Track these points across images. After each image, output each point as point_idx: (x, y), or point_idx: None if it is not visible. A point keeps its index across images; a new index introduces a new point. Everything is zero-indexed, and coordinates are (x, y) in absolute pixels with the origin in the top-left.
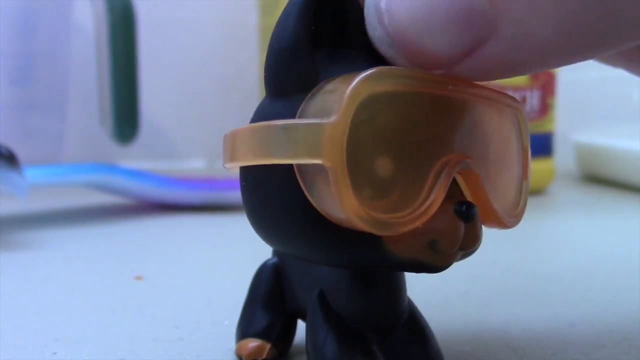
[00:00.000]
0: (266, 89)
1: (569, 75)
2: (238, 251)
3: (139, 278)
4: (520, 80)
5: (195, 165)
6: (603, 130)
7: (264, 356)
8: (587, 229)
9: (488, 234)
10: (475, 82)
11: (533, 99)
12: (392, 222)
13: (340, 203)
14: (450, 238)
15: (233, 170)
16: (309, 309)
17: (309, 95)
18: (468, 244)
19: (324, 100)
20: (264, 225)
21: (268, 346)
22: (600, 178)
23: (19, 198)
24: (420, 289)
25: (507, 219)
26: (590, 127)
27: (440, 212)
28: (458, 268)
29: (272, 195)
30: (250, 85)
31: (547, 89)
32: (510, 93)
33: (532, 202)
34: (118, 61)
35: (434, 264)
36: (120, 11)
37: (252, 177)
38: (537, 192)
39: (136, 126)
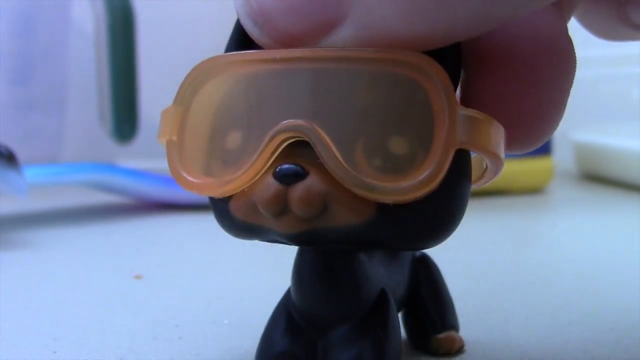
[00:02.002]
0: None
1: None
2: (238, 250)
3: (138, 277)
4: None
5: None
6: (602, 129)
7: None
8: (586, 228)
9: (487, 233)
10: (352, 53)
11: None
12: (220, 182)
13: (171, 171)
14: (263, 199)
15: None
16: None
17: None
18: (294, 206)
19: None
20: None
21: None
22: (599, 177)
23: (18, 197)
24: None
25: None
26: (589, 125)
27: (264, 176)
28: (456, 267)
29: None
30: None
31: None
32: None
33: (530, 201)
34: (117, 60)
35: (276, 230)
36: (120, 10)
37: None
38: (536, 191)
39: (135, 125)
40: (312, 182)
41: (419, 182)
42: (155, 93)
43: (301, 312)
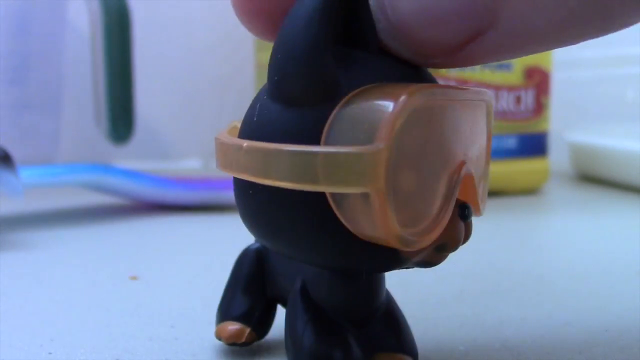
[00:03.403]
0: (274, 95)
1: (563, 74)
2: (233, 251)
3: (134, 278)
4: (514, 79)
5: (190, 165)
6: (597, 130)
7: (243, 340)
8: (581, 229)
9: (483, 233)
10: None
11: (527, 99)
12: (414, 237)
13: (382, 227)
14: (456, 241)
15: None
16: (289, 298)
17: (337, 108)
18: (464, 242)
19: (359, 116)
20: (273, 231)
21: (247, 330)
22: (594, 177)
23: (14, 198)
24: (415, 288)
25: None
26: (585, 126)
27: (452, 218)
28: (453, 267)
29: (288, 205)
30: (245, 85)
31: (542, 89)
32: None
33: (526, 202)
34: (113, 61)
35: (434, 262)
36: (115, 11)
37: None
38: (532, 191)
39: (131, 126)
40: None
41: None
42: (152, 94)
43: (336, 310)
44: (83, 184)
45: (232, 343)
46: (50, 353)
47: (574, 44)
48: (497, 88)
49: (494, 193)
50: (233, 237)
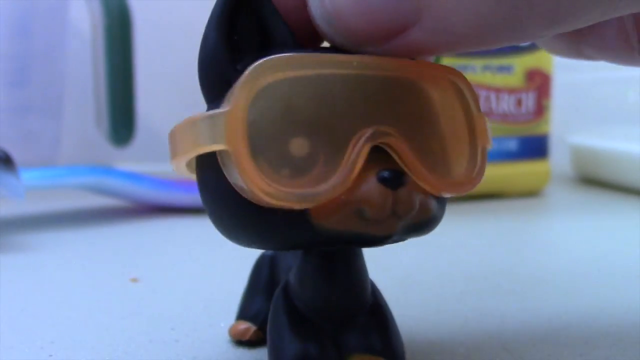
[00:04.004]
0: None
1: (564, 77)
2: (234, 253)
3: (134, 280)
4: (515, 82)
5: None
6: (599, 132)
7: (247, 338)
8: (582, 231)
9: (484, 236)
10: (409, 60)
11: (528, 101)
12: (311, 193)
13: (245, 182)
14: (375, 204)
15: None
16: (272, 300)
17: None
18: (401, 210)
19: (229, 94)
20: (214, 219)
21: (253, 329)
22: (595, 180)
23: (15, 200)
24: (416, 289)
25: (448, 185)
26: (586, 129)
27: (364, 181)
28: (454, 269)
29: (210, 188)
30: None
31: (543, 91)
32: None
33: (527, 204)
34: (114, 63)
35: (371, 233)
36: (117, 13)
37: (198, 177)
38: (532, 194)
39: (132, 128)
40: (412, 186)
41: (472, 178)
42: (153, 96)
43: (316, 309)
44: (84, 186)
45: (239, 340)
46: (50, 355)
47: (493, 47)
48: (498, 90)
49: (494, 195)
50: None
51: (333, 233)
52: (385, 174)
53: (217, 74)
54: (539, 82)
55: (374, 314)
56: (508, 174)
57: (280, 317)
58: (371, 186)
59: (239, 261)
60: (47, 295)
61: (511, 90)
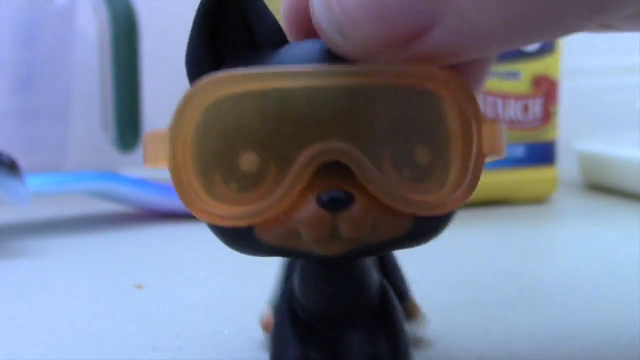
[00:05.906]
0: None
1: (571, 83)
2: (239, 260)
3: (139, 287)
4: (522, 88)
5: None
6: (606, 139)
7: (268, 330)
8: (590, 238)
9: (491, 242)
10: (377, 69)
11: (535, 107)
12: (248, 212)
13: (182, 201)
14: (310, 227)
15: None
16: (276, 304)
17: None
18: (345, 233)
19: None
20: None
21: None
22: (603, 187)
23: (21, 206)
24: (423, 297)
25: (419, 205)
26: (594, 135)
27: (305, 202)
28: (461, 276)
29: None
30: None
31: (550, 97)
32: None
33: (534, 211)
34: (121, 69)
35: (316, 253)
36: (123, 19)
37: None
38: (540, 200)
39: (139, 134)
40: (361, 207)
41: (457, 196)
42: (159, 102)
43: (316, 315)
44: (90, 192)
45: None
46: None
47: (523, 46)
48: (504, 97)
49: (501, 202)
50: None
51: (278, 249)
52: (325, 197)
53: (199, 74)
54: (546, 89)
55: (382, 318)
56: (515, 180)
57: (283, 322)
58: (309, 208)
59: (243, 268)
60: (52, 302)
61: (518, 97)
